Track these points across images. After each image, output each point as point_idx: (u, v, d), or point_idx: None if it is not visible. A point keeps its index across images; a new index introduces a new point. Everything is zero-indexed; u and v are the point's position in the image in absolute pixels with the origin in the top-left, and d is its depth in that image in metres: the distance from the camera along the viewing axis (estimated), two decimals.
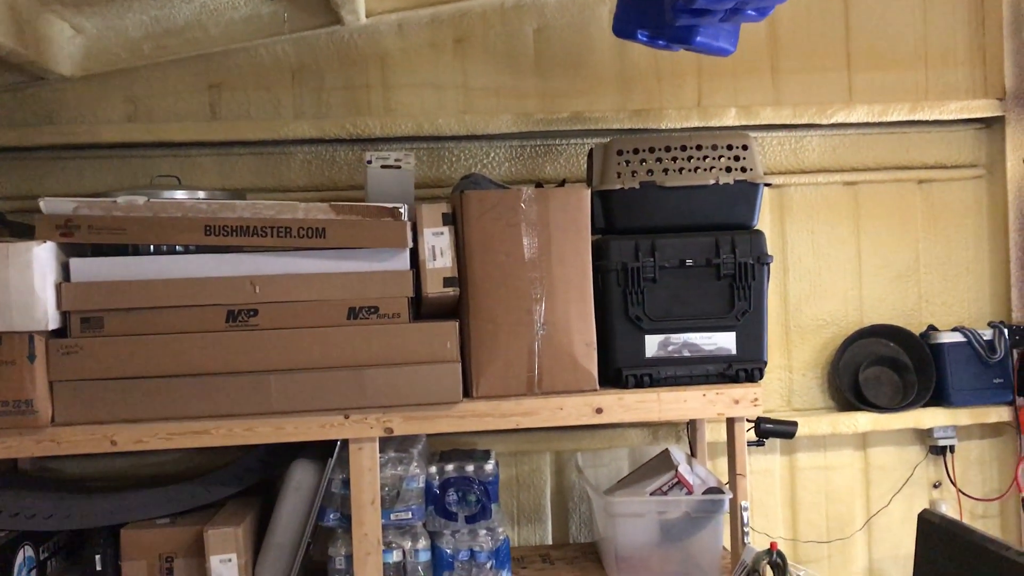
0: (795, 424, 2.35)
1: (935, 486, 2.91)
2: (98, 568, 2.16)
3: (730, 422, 2.26)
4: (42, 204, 2.06)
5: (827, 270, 2.89)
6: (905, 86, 2.89)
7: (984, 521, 2.91)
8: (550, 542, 2.81)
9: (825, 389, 2.90)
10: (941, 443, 2.82)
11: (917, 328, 2.88)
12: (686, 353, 2.24)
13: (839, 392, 2.86)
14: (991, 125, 2.90)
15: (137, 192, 2.24)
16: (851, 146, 2.89)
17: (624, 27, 2.11)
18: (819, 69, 2.88)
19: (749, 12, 1.84)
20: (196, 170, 2.70)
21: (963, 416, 2.78)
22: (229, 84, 2.72)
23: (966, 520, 2.85)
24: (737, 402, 2.22)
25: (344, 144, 2.72)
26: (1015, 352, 2.79)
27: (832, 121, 2.78)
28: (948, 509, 2.87)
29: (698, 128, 2.75)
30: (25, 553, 2.18)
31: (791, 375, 2.89)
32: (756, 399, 2.23)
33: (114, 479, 2.56)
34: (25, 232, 2.44)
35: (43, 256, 2.01)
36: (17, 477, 2.41)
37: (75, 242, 2.06)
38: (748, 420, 2.30)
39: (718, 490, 2.22)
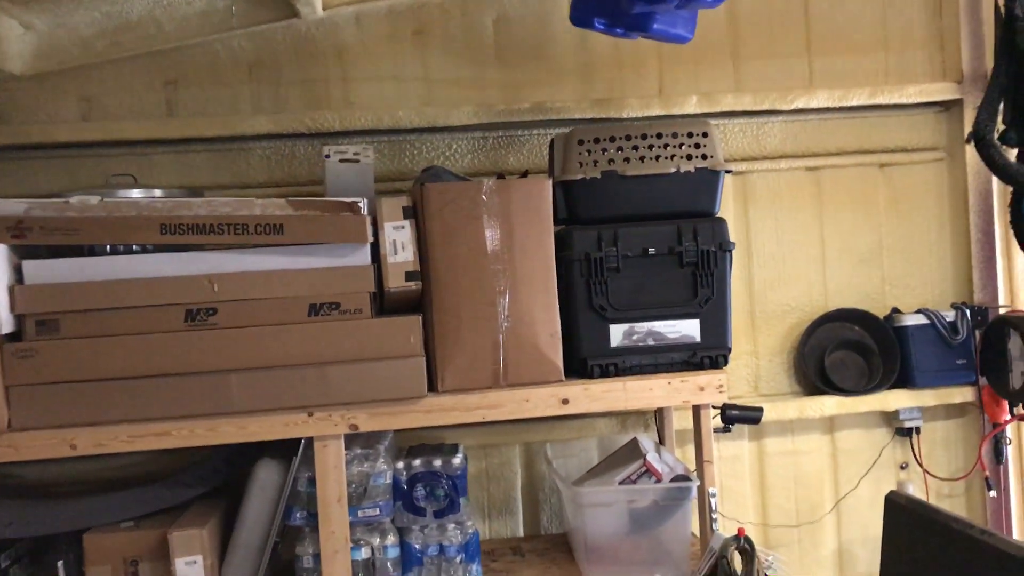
0: (761, 410, 2.36)
1: (902, 467, 2.93)
2: (61, 574, 2.12)
3: (696, 409, 2.26)
4: None
5: (791, 256, 2.90)
6: (865, 70, 2.90)
7: (950, 500, 2.94)
8: (521, 534, 2.81)
9: (791, 374, 2.91)
10: (907, 425, 2.84)
11: (881, 311, 2.90)
12: (651, 342, 2.24)
13: (805, 377, 2.87)
14: (950, 108, 2.92)
15: (93, 192, 2.20)
16: (813, 131, 2.90)
17: (581, 16, 2.10)
18: (779, 55, 2.88)
19: (704, 0, 1.83)
20: (153, 168, 2.66)
21: (928, 397, 2.80)
22: (185, 80, 2.68)
23: (932, 500, 2.88)
24: (702, 389, 2.23)
25: (303, 139, 2.69)
26: (977, 333, 2.82)
27: (793, 107, 2.78)
28: (915, 490, 2.89)
29: (660, 116, 2.74)
30: None
31: (758, 361, 2.90)
32: (721, 385, 2.23)
33: (77, 483, 2.52)
34: None
35: None
36: None
37: (28, 244, 2.02)
38: (714, 407, 2.30)
39: (685, 477, 2.23)
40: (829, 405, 2.79)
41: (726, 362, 2.26)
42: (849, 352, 2.88)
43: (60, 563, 2.13)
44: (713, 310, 2.25)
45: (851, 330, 2.89)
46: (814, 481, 2.91)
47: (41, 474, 2.55)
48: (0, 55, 2.44)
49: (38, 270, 2.04)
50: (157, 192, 2.29)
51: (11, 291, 2.01)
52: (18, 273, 2.04)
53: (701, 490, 2.25)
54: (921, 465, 2.88)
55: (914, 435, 2.87)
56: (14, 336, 2.03)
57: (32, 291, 2.02)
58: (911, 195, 2.94)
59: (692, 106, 2.74)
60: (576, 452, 2.80)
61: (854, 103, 2.80)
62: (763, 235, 2.89)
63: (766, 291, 2.90)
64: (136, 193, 2.25)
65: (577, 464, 2.78)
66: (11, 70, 2.50)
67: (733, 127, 2.86)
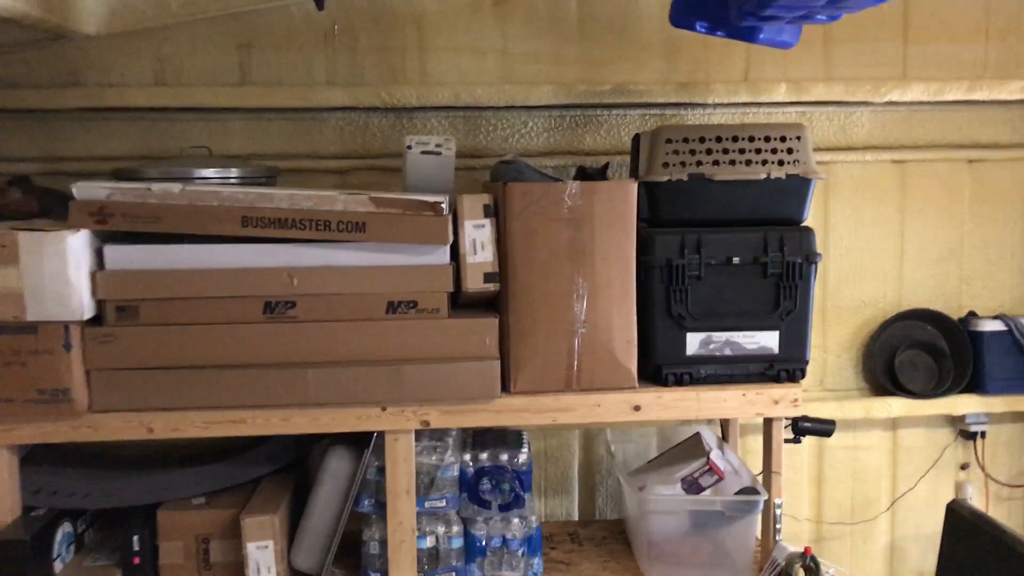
0: (833, 423, 2.33)
1: (962, 467, 2.91)
2: (136, 548, 2.18)
3: (767, 421, 2.24)
4: (75, 190, 2.00)
5: (868, 250, 2.83)
6: (962, 60, 2.77)
7: (1009, 504, 2.92)
8: (576, 515, 2.84)
9: (859, 371, 2.87)
10: (973, 429, 2.81)
11: (956, 311, 2.83)
12: (727, 352, 2.20)
13: (872, 374, 2.83)
14: None
15: (170, 169, 2.19)
16: (902, 123, 2.79)
17: (682, 18, 2.00)
18: (873, 39, 2.74)
19: (819, 18, 1.74)
20: (226, 135, 2.61)
21: (997, 404, 2.76)
22: (260, 44, 2.61)
23: (991, 502, 2.87)
24: (777, 402, 2.20)
25: (378, 111, 2.63)
26: None
27: (886, 100, 2.67)
28: (974, 491, 2.88)
29: (747, 103, 2.65)
30: (64, 529, 2.20)
31: (825, 355, 2.86)
32: (796, 400, 2.20)
33: (149, 449, 2.56)
34: (52, 198, 2.39)
35: (77, 245, 1.96)
36: (52, 450, 2.40)
37: (109, 230, 2.01)
38: (786, 418, 2.27)
39: (754, 490, 2.22)
40: (896, 407, 2.75)
41: (803, 375, 2.22)
42: (920, 352, 2.83)
43: (135, 537, 2.18)
44: (794, 323, 2.20)
45: (924, 330, 2.84)
46: (872, 477, 2.90)
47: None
48: (75, 15, 2.38)
49: (119, 255, 2.03)
50: (233, 171, 2.25)
51: (93, 277, 2.00)
52: (99, 256, 2.03)
53: (767, 500, 2.24)
54: (983, 470, 2.85)
55: (978, 438, 2.84)
56: (94, 320, 2.04)
57: (113, 277, 2.02)
58: (998, 194, 2.83)
59: (781, 94, 2.64)
60: (635, 438, 2.81)
61: (950, 98, 2.68)
62: (841, 227, 2.81)
63: (840, 285, 2.83)
64: (212, 172, 2.22)
65: (635, 450, 2.79)
66: (85, 30, 2.45)
67: (820, 115, 2.75)
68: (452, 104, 2.58)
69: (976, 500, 2.86)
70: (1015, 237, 2.85)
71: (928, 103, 2.72)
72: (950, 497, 2.87)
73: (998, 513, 2.85)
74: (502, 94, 2.57)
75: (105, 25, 2.50)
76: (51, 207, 2.35)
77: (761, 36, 1.94)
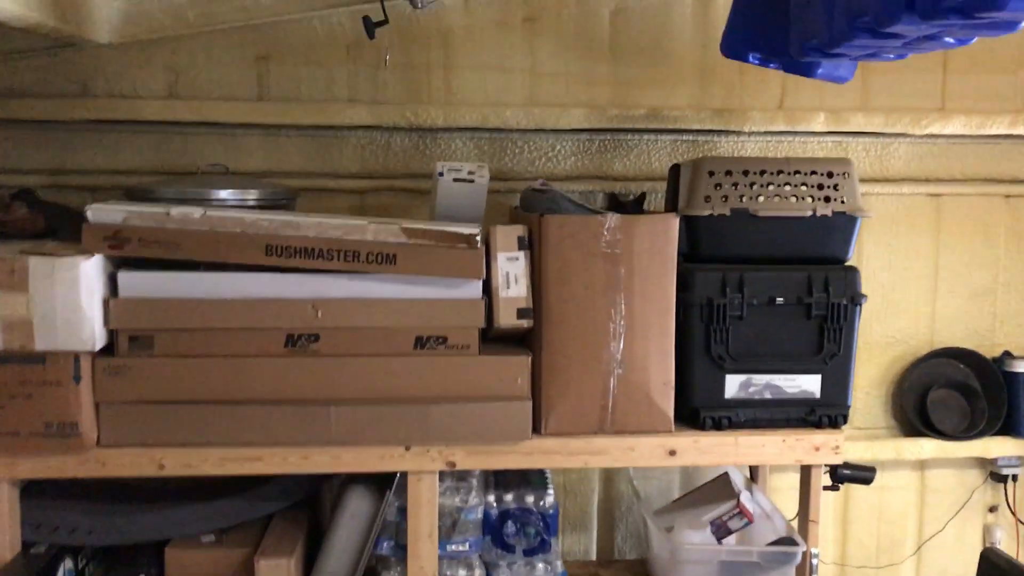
0: (874, 470, 2.24)
1: (991, 510, 2.83)
2: None
3: (806, 468, 2.15)
4: (89, 213, 1.88)
5: (901, 285, 2.75)
6: (1002, 92, 2.69)
7: None
8: (594, 551, 2.74)
9: (888, 409, 2.79)
10: (1004, 472, 2.73)
11: (989, 349, 2.76)
12: (767, 395, 2.11)
13: (903, 413, 2.75)
14: None
15: (186, 189, 2.09)
16: (940, 155, 2.70)
17: (734, 47, 1.92)
18: (912, 68, 2.65)
19: (887, 56, 1.65)
20: (241, 152, 2.50)
21: None
22: (279, 56, 2.50)
23: (1022, 548, 2.79)
24: (817, 449, 2.11)
25: (401, 131, 2.52)
26: None
27: (926, 132, 2.59)
28: (1003, 535, 2.81)
29: (783, 132, 2.57)
30: (65, 567, 2.09)
31: (855, 392, 2.74)
32: (838, 447, 2.11)
33: (154, 482, 2.44)
34: (59, 214, 2.27)
35: (90, 272, 1.85)
36: (53, 481, 2.29)
37: (124, 256, 1.90)
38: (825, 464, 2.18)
39: (792, 541, 2.13)
40: (928, 448, 2.67)
41: (845, 421, 2.13)
42: (952, 392, 2.74)
43: None
44: (837, 367, 2.11)
45: (956, 368, 2.75)
46: (898, 518, 2.82)
47: None
48: (90, 24, 2.27)
49: (133, 282, 1.92)
50: (252, 192, 2.15)
51: (105, 304, 1.89)
52: (112, 282, 1.92)
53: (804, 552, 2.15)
54: (1015, 514, 2.77)
55: (1009, 481, 2.76)
56: (106, 350, 1.92)
57: (127, 305, 1.91)
58: None
59: (819, 124, 2.56)
60: (657, 475, 2.72)
61: (991, 132, 2.60)
62: (875, 261, 2.72)
63: (871, 320, 2.74)
64: (230, 193, 2.11)
65: (657, 488, 2.70)
66: (99, 39, 2.33)
67: (856, 145, 2.67)
68: (479, 126, 2.48)
69: (1004, 544, 2.79)
70: None
71: (967, 136, 2.64)
72: (977, 540, 2.82)
73: None
74: (531, 117, 2.47)
75: (119, 33, 2.38)
76: (58, 224, 2.23)
77: (819, 71, 1.85)
